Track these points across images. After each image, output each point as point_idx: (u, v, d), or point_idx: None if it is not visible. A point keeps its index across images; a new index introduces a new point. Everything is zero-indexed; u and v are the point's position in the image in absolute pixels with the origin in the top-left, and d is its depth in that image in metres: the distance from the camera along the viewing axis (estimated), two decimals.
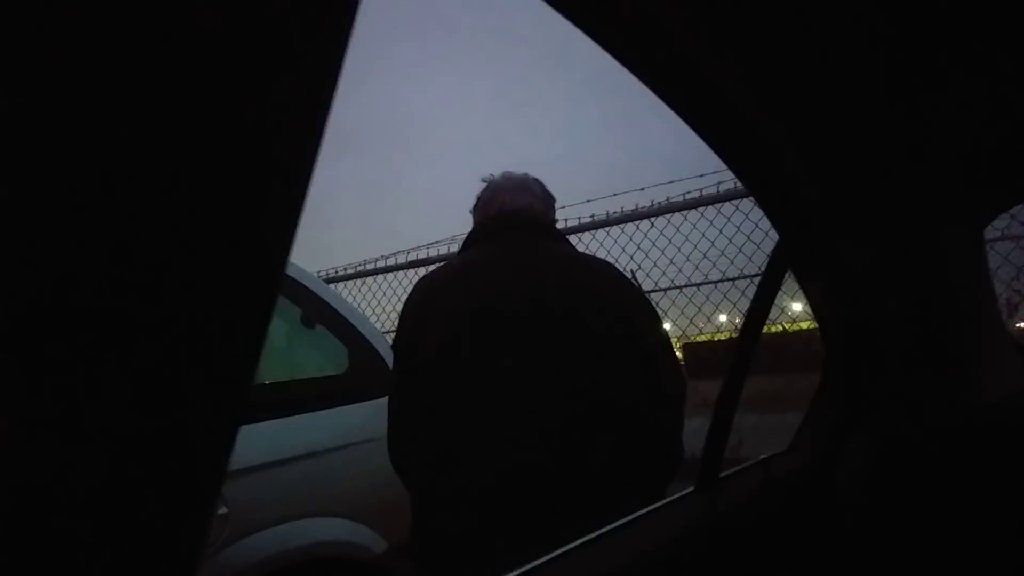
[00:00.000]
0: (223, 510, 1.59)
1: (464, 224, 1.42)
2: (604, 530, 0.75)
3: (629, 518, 0.78)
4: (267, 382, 2.08)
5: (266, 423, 1.79)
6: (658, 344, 1.18)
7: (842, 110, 0.83)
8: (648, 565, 0.74)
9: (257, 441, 1.74)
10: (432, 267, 6.03)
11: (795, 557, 1.01)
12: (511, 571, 0.65)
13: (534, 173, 1.46)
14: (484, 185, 1.42)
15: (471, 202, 1.43)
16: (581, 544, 0.72)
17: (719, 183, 4.12)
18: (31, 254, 0.21)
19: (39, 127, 0.21)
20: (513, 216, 1.30)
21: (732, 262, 4.71)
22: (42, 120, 0.21)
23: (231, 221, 0.25)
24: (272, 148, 0.25)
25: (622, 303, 1.18)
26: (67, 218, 0.22)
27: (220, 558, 1.58)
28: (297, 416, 1.89)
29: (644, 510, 0.81)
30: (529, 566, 0.67)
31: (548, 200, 1.42)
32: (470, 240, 1.34)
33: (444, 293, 1.21)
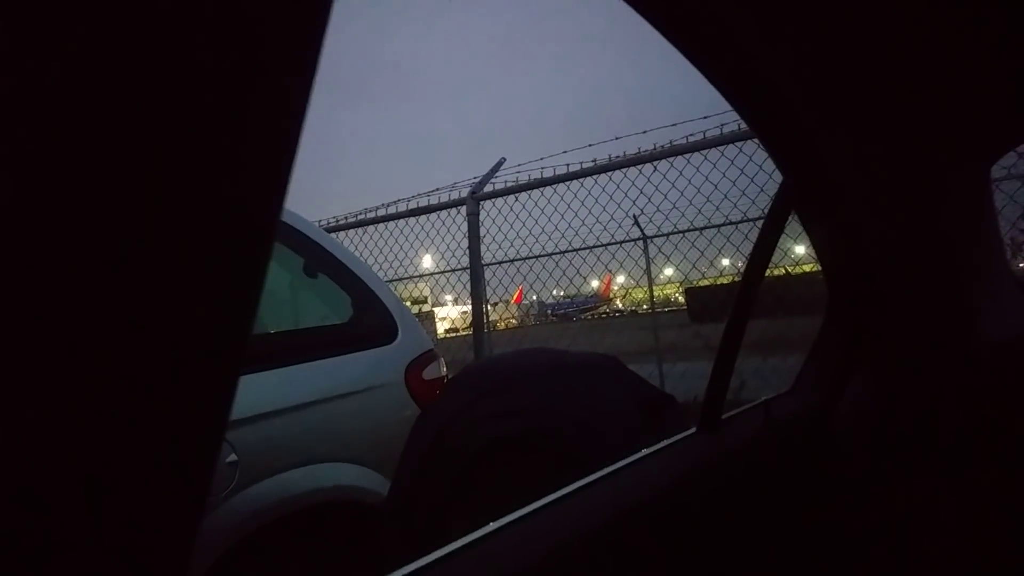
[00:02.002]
0: (233, 458, 1.62)
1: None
2: (606, 471, 0.76)
3: (631, 459, 0.79)
4: (272, 331, 2.09)
5: (273, 371, 1.81)
6: None
7: (847, 46, 0.82)
8: (650, 505, 0.76)
9: (264, 389, 1.76)
10: (432, 214, 5.97)
11: (796, 496, 1.02)
12: (514, 512, 0.67)
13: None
14: None
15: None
16: (583, 485, 0.73)
17: (722, 124, 4.08)
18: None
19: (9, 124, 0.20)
20: None
21: (735, 205, 4.69)
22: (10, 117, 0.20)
23: (217, 179, 0.24)
24: (260, 95, 0.25)
25: None
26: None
27: (231, 504, 1.61)
28: (302, 365, 1.91)
29: (646, 451, 0.82)
30: (532, 507, 0.68)
31: None
32: None
33: None
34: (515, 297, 9.07)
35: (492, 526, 0.65)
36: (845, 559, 1.03)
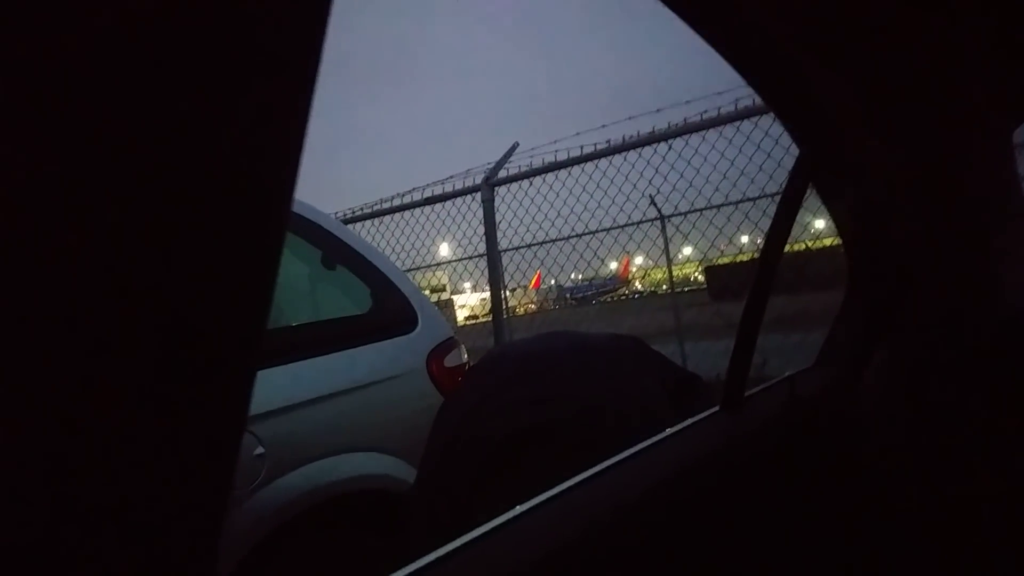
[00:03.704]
0: (260, 451, 1.64)
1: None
2: (630, 452, 0.76)
3: (654, 439, 0.79)
4: (293, 324, 2.11)
5: (295, 364, 1.83)
6: None
7: (863, 14, 0.80)
8: (674, 485, 0.76)
9: (288, 382, 1.77)
10: (448, 202, 5.96)
11: (821, 473, 1.02)
12: (537, 497, 0.67)
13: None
14: None
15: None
16: (608, 466, 0.73)
17: (736, 100, 4.02)
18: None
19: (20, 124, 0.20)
20: None
21: (752, 181, 4.64)
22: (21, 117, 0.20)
23: (225, 171, 0.24)
24: (263, 84, 0.24)
25: None
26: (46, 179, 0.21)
27: (259, 496, 1.63)
28: (324, 356, 1.93)
29: (669, 431, 0.82)
30: (557, 489, 0.68)
31: None
32: None
33: None
34: (533, 282, 9.07)
35: (519, 509, 0.65)
36: (873, 535, 1.03)
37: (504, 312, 5.48)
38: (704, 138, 4.41)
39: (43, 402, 0.22)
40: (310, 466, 1.76)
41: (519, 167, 5.16)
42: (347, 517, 1.85)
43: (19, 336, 0.21)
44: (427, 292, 6.54)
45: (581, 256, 5.91)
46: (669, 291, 7.01)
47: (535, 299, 11.25)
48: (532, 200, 5.42)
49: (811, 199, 1.11)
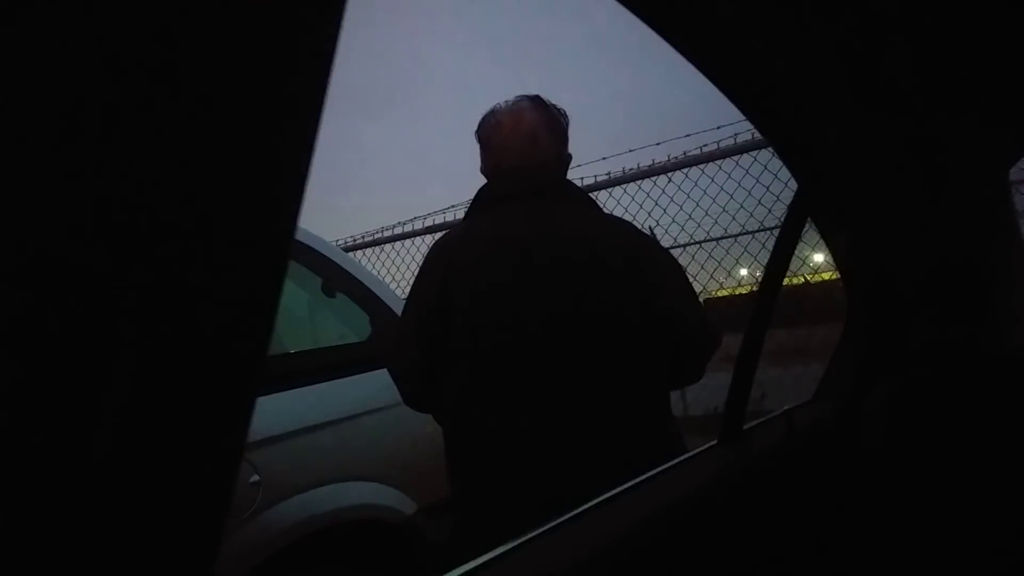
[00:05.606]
0: (255, 478, 1.62)
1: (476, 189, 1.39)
2: (629, 484, 0.76)
3: (653, 472, 0.79)
4: (292, 351, 2.10)
5: (293, 391, 1.82)
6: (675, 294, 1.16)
7: (861, 52, 0.81)
8: (673, 518, 0.75)
9: (285, 409, 1.76)
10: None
11: (819, 506, 1.01)
12: (537, 528, 0.66)
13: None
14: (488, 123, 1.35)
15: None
16: (606, 499, 0.73)
17: (736, 134, 4.05)
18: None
19: (31, 124, 0.21)
20: (524, 179, 1.27)
21: (752, 215, 4.65)
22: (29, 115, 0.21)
23: (233, 194, 0.25)
24: (272, 110, 0.25)
25: (639, 266, 1.17)
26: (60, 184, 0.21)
27: (254, 524, 1.61)
28: (322, 384, 1.92)
29: (668, 464, 0.82)
30: (553, 523, 0.68)
31: (558, 141, 1.36)
32: (483, 200, 1.33)
33: (470, 255, 1.24)
34: None
35: (516, 541, 0.64)
36: (871, 568, 1.02)
37: None
38: (703, 171, 4.44)
39: (45, 406, 0.22)
40: (305, 495, 1.74)
41: None
42: (343, 547, 1.82)
43: (21, 341, 0.21)
44: None
45: None
46: None
47: None
48: None
49: (810, 233, 1.12)
